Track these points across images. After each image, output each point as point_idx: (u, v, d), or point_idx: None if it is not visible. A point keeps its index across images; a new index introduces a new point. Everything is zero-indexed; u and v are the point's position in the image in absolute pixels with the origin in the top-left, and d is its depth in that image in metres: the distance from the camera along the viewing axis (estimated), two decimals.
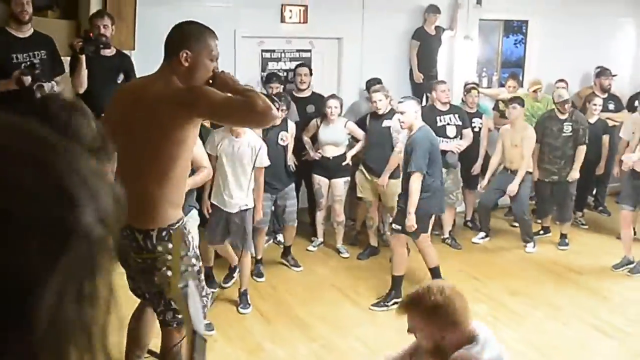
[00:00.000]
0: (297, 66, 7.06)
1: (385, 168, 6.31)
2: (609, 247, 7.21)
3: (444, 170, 6.60)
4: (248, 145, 5.13)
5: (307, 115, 6.79)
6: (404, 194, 5.47)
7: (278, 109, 5.82)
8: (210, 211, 5.34)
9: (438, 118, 6.71)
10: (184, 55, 2.94)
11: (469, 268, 6.52)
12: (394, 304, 5.26)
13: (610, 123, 7.96)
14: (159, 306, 3.22)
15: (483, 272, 6.40)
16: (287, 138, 6.10)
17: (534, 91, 7.98)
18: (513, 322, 5.37)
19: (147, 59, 6.27)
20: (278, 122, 5.86)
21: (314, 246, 6.96)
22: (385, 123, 6.38)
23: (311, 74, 6.98)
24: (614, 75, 8.26)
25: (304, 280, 6.14)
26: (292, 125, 6.24)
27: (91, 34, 5.42)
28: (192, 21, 3.15)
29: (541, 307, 5.64)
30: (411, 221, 5.33)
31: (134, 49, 6.27)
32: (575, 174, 7.01)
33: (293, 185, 6.26)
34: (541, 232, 7.52)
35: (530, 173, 6.93)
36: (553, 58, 8.61)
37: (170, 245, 3.06)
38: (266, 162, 5.29)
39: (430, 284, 2.68)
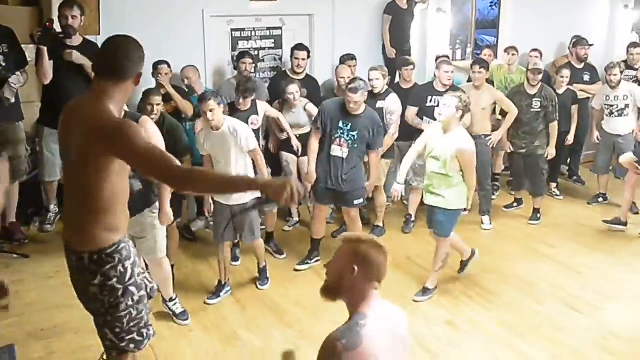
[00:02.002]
0: (294, 48, 6.89)
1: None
2: (583, 218, 7.28)
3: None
4: (229, 132, 5.03)
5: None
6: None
7: (244, 97, 5.82)
8: (212, 212, 5.33)
9: (429, 97, 6.59)
10: (135, 78, 2.92)
11: None
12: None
13: (584, 95, 7.96)
14: (99, 331, 3.20)
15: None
16: (257, 121, 6.02)
17: (509, 64, 7.92)
18: (486, 301, 5.42)
19: None
20: (246, 107, 5.90)
21: (289, 226, 6.96)
22: (379, 104, 6.34)
23: (309, 56, 6.89)
24: (590, 45, 8.22)
25: (279, 261, 6.14)
26: (262, 107, 6.16)
27: (48, 24, 5.32)
28: (129, 39, 2.97)
29: (514, 284, 5.69)
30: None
31: (99, 34, 6.15)
32: (552, 151, 7.03)
33: (269, 169, 6.18)
34: (514, 204, 7.56)
35: (488, 136, 6.90)
36: (528, 24, 8.59)
37: (102, 270, 2.99)
38: (251, 144, 5.11)
39: (375, 238, 2.56)
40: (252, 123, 5.95)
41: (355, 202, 5.83)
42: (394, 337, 2.51)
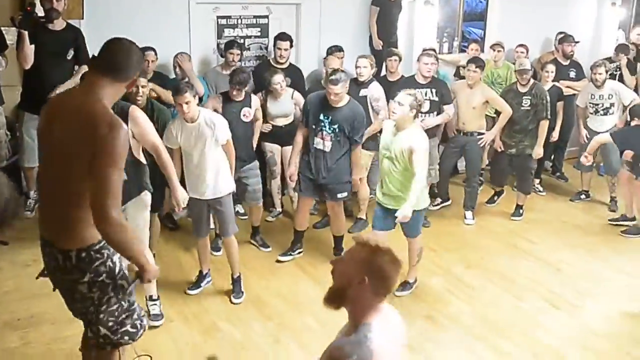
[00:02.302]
0: (276, 38, 6.82)
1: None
2: (565, 215, 7.31)
3: None
4: (205, 124, 4.91)
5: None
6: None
7: (237, 90, 5.75)
8: (184, 207, 4.96)
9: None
10: (131, 82, 2.96)
11: (425, 239, 6.47)
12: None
13: (570, 91, 7.96)
14: (90, 329, 3.18)
15: (439, 244, 6.43)
16: (249, 114, 5.95)
17: (495, 60, 7.90)
18: (467, 296, 5.44)
19: (97, 27, 6.16)
20: (240, 97, 5.84)
21: (272, 217, 6.93)
22: (362, 92, 6.32)
23: (292, 46, 6.82)
24: (576, 42, 8.22)
25: (261, 253, 6.11)
26: (255, 100, 6.08)
27: (29, 8, 5.25)
28: (129, 43, 3.03)
29: (496, 281, 5.71)
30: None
31: (82, 18, 6.09)
32: (539, 150, 6.99)
33: (256, 163, 6.09)
34: (495, 197, 7.58)
35: (481, 134, 6.90)
36: (515, 17, 8.59)
37: (91, 267, 2.99)
38: (226, 136, 5.01)
39: (392, 251, 2.39)
40: (244, 115, 5.89)
41: (339, 195, 5.80)
42: (397, 346, 2.45)
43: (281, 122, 6.49)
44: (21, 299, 4.83)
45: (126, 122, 4.09)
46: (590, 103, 7.49)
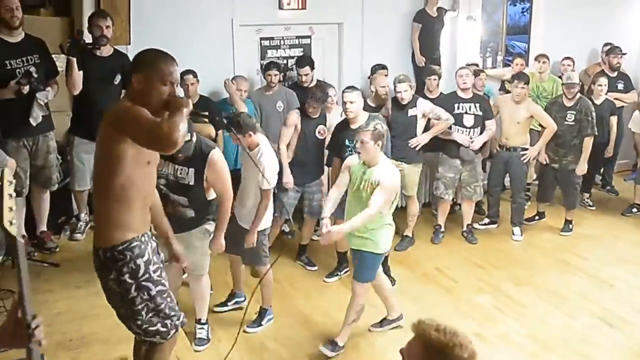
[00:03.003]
0: (296, 64, 6.86)
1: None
2: (616, 230, 7.15)
3: (457, 161, 6.58)
4: (259, 155, 4.79)
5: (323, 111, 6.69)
6: None
7: (314, 107, 5.82)
8: None
9: (456, 105, 6.52)
10: (135, 79, 3.07)
11: (473, 256, 6.48)
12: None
13: (619, 104, 7.83)
14: (126, 324, 3.40)
15: (488, 260, 6.37)
16: (324, 132, 5.99)
17: (540, 72, 7.81)
18: (517, 314, 5.35)
19: None
20: (316, 115, 5.86)
21: (318, 235, 6.91)
22: (411, 112, 6.31)
23: (313, 69, 6.81)
24: (623, 54, 8.08)
25: (307, 272, 6.11)
26: (331, 119, 6.08)
27: (77, 35, 5.40)
28: (151, 48, 3.25)
29: (546, 297, 5.61)
30: None
31: (129, 44, 6.21)
32: (582, 167, 6.85)
33: (320, 179, 6.15)
34: (536, 217, 7.44)
35: (525, 149, 6.80)
36: (559, 30, 8.48)
37: (116, 265, 3.18)
38: (270, 184, 4.81)
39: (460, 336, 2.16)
40: (319, 132, 5.97)
41: None
42: None
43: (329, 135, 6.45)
44: (72, 319, 4.91)
45: (204, 166, 4.28)
46: None
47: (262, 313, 5.13)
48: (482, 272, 6.10)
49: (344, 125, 5.68)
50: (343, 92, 5.70)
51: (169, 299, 3.37)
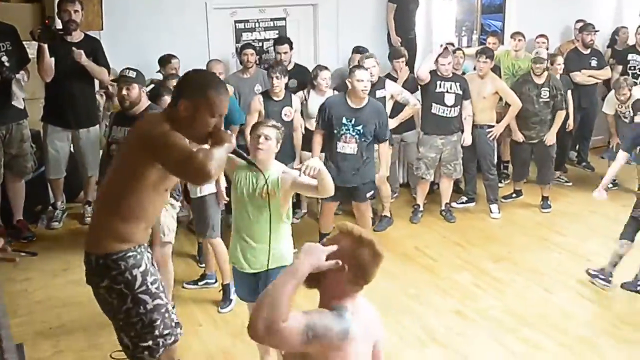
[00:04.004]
0: (275, 43, 6.83)
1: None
2: (593, 205, 7.19)
3: (440, 139, 6.60)
4: None
5: (289, 89, 6.65)
6: None
7: (275, 77, 5.80)
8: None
9: (438, 83, 6.54)
10: (182, 104, 2.84)
11: (452, 235, 6.52)
12: None
13: (592, 81, 7.90)
14: (117, 334, 3.24)
15: (467, 239, 6.41)
16: (290, 113, 5.99)
17: (516, 50, 7.84)
18: (496, 290, 5.39)
19: (116, 37, 6.23)
20: (281, 96, 5.83)
21: (296, 218, 6.92)
22: (380, 93, 6.29)
23: (291, 48, 6.77)
24: (596, 31, 8.12)
25: None
26: (296, 100, 6.12)
27: (47, 22, 5.33)
28: (202, 70, 3.12)
29: (524, 273, 5.66)
30: None
31: (102, 29, 6.15)
32: (552, 137, 6.94)
33: (293, 163, 6.07)
34: (513, 195, 7.48)
35: (491, 126, 6.87)
36: (534, 8, 8.51)
37: (109, 274, 3.02)
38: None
39: (375, 242, 2.33)
40: (285, 114, 5.94)
41: (368, 195, 5.81)
42: (369, 340, 2.40)
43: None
44: (52, 308, 4.89)
45: None
46: (619, 112, 7.43)
47: (225, 290, 5.13)
48: (461, 250, 6.15)
49: (342, 102, 5.61)
50: (353, 70, 5.63)
51: (166, 315, 3.18)
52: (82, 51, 5.56)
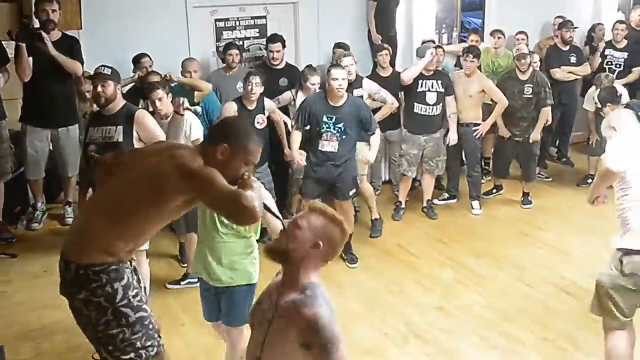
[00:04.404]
0: (267, 41, 6.79)
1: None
2: (573, 201, 7.27)
3: (422, 137, 6.64)
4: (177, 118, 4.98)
5: (280, 88, 6.63)
6: None
7: (256, 84, 5.75)
8: None
9: (420, 82, 6.55)
10: (222, 148, 2.88)
11: (434, 231, 6.55)
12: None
13: (572, 77, 7.96)
14: (94, 346, 3.11)
15: (448, 235, 6.44)
16: (263, 120, 5.96)
17: (495, 48, 7.87)
18: (478, 286, 5.43)
19: (96, 36, 6.18)
20: (253, 105, 5.82)
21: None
22: (357, 92, 6.27)
23: (284, 47, 6.74)
24: (575, 28, 8.18)
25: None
26: (269, 104, 6.08)
27: (25, 20, 5.28)
28: (245, 120, 3.28)
29: (506, 269, 5.70)
30: None
31: (80, 28, 6.11)
32: (536, 135, 6.97)
33: (266, 165, 6.08)
34: (494, 191, 7.53)
35: (477, 124, 6.89)
36: (514, 5, 8.53)
37: (88, 286, 2.91)
38: (197, 134, 5.02)
39: (342, 220, 2.47)
40: (257, 122, 5.90)
41: (350, 193, 5.80)
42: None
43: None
44: (33, 309, 4.85)
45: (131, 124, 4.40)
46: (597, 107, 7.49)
47: (185, 276, 5.35)
48: (443, 247, 6.18)
49: (322, 100, 5.62)
50: (330, 69, 5.63)
51: (150, 326, 3.07)
52: (47, 37, 5.47)
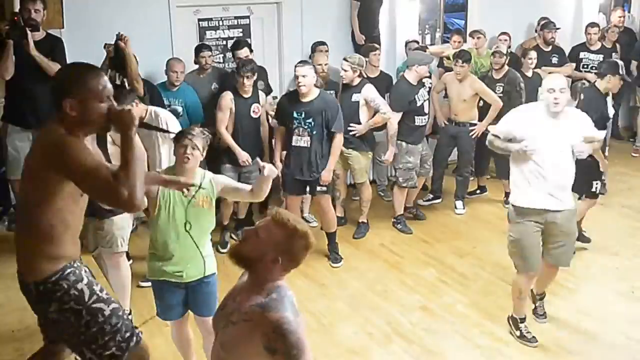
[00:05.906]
0: (232, 48, 6.57)
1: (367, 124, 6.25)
2: None
3: (420, 145, 6.66)
4: (152, 117, 5.01)
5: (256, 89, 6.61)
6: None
7: (245, 76, 5.73)
8: None
9: (416, 96, 6.42)
10: (68, 104, 2.70)
11: (418, 231, 6.57)
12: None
13: None
14: (76, 352, 3.11)
15: (432, 235, 6.47)
16: (259, 110, 5.99)
17: (477, 48, 7.91)
18: (461, 286, 5.46)
19: (78, 36, 6.14)
20: (249, 93, 5.81)
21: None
22: (355, 97, 6.21)
23: (251, 51, 6.62)
24: (557, 29, 8.25)
25: None
26: (263, 97, 6.14)
27: (16, 18, 5.23)
28: (72, 64, 2.98)
29: (489, 268, 5.74)
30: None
31: (62, 27, 6.06)
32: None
33: (257, 159, 6.07)
34: (477, 191, 7.58)
35: (473, 124, 6.93)
36: (496, 6, 8.58)
37: (54, 296, 2.87)
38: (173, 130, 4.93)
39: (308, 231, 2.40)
40: (253, 111, 5.94)
41: (318, 188, 5.79)
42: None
43: None
44: (14, 310, 4.80)
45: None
46: None
47: None
48: (426, 247, 6.20)
49: (293, 97, 5.71)
50: (295, 66, 5.70)
51: (124, 317, 3.08)
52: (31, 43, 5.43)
